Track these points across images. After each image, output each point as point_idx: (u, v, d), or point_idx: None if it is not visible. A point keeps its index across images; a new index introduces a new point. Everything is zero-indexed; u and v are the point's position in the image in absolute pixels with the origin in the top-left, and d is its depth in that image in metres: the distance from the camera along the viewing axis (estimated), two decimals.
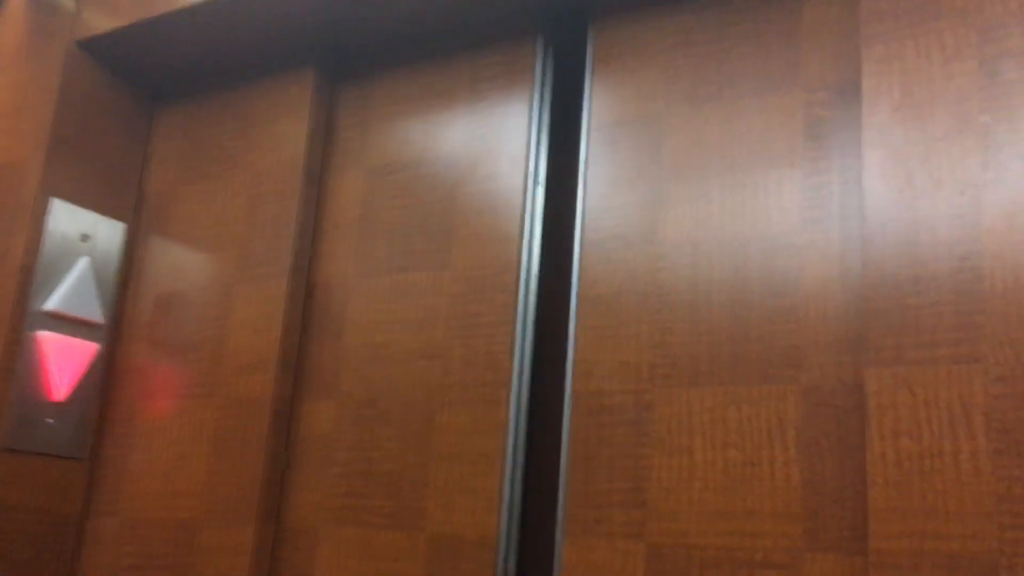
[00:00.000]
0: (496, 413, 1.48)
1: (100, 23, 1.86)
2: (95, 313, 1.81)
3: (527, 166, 1.57)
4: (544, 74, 1.63)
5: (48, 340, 1.73)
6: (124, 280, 1.91)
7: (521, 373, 1.50)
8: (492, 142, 1.62)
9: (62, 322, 1.76)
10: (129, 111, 1.97)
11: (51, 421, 1.74)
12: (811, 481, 1.23)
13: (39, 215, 1.77)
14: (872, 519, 1.11)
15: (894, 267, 1.17)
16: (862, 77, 1.24)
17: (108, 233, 1.87)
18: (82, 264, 1.81)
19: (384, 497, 1.55)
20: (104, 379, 1.85)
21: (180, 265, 1.87)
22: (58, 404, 1.75)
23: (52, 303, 1.74)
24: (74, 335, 1.78)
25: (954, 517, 1.08)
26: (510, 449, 1.47)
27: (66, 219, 1.80)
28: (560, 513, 1.39)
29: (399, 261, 1.66)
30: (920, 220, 1.17)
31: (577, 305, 1.46)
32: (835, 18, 1.38)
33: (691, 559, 1.28)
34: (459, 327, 1.55)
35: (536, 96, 1.61)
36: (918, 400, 1.12)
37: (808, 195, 1.33)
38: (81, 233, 1.82)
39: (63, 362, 1.75)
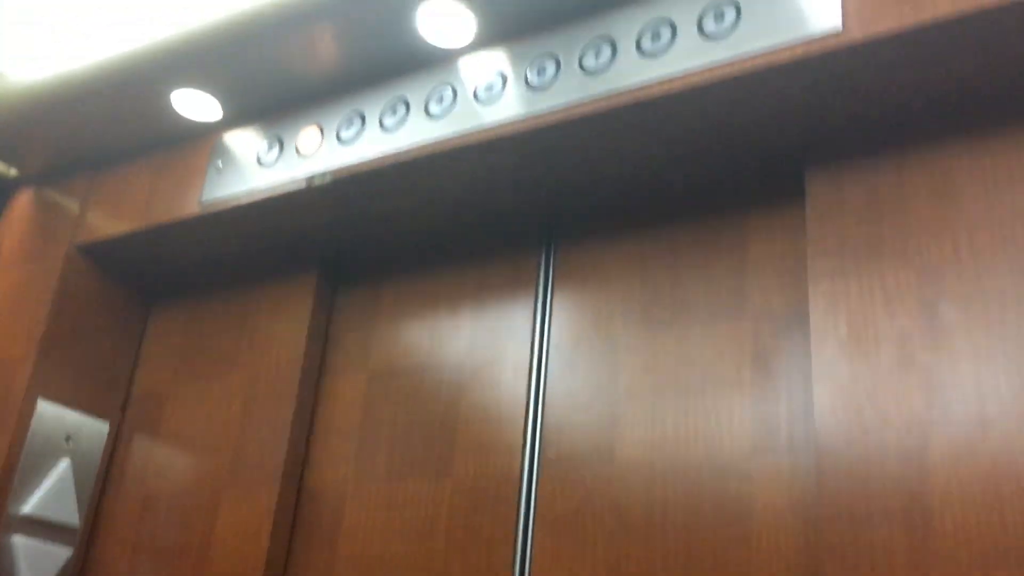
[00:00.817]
0: None
1: (102, 228, 1.95)
2: (71, 517, 1.82)
3: (530, 376, 1.61)
4: (547, 284, 1.68)
5: (21, 545, 1.73)
6: (105, 481, 1.93)
7: None
8: (495, 350, 1.66)
9: (37, 526, 1.76)
10: (124, 311, 2.04)
11: None
12: None
13: (25, 416, 1.81)
14: None
15: (847, 502, 1.19)
16: (809, 312, 1.30)
17: (91, 433, 1.90)
18: (63, 466, 1.83)
19: None
20: None
21: (167, 467, 1.88)
22: None
23: (28, 507, 1.75)
24: (48, 539, 1.78)
25: None
26: None
27: (51, 420, 1.83)
28: None
29: (398, 468, 1.66)
30: (871, 456, 1.20)
31: (534, 524, 1.47)
32: (779, 253, 1.46)
33: None
34: (459, 540, 1.54)
35: (539, 305, 1.66)
36: None
37: (758, 423, 1.36)
38: (65, 434, 1.85)
39: (34, 568, 1.74)
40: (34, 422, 1.81)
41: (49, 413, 1.84)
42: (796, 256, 1.43)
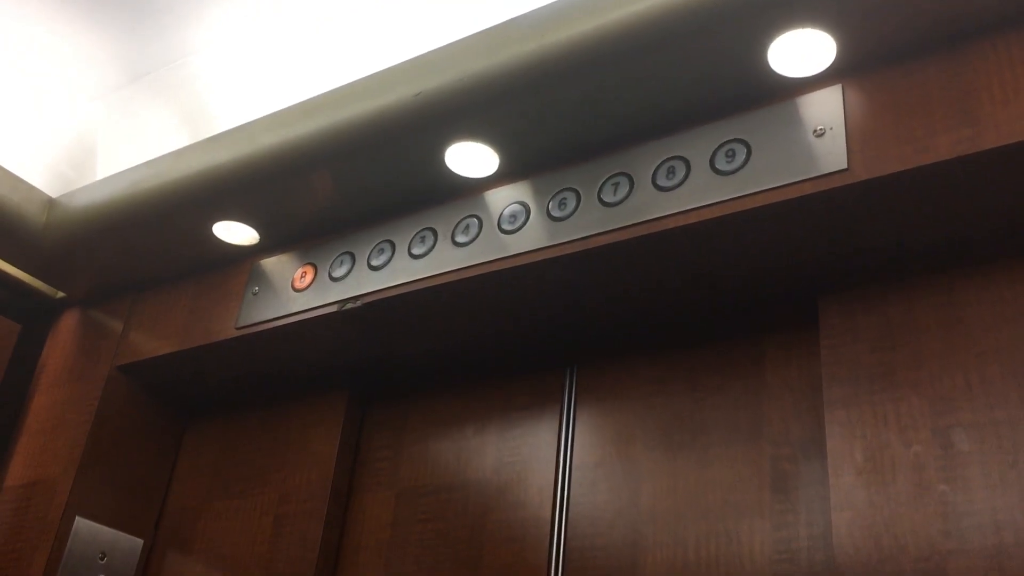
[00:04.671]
0: None
1: (143, 349, 2.02)
2: None
3: (555, 496, 1.64)
4: (570, 405, 1.72)
5: None
6: None
7: None
8: (521, 469, 1.69)
9: None
10: (161, 428, 2.10)
11: None
12: None
13: (63, 534, 1.85)
14: None
15: None
16: (827, 440, 1.33)
17: (126, 549, 1.94)
18: None
19: None
20: None
21: None
22: None
23: None
24: None
25: None
26: None
27: (87, 537, 1.88)
28: None
29: None
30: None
31: None
32: (795, 377, 1.49)
33: None
34: None
35: (563, 426, 1.70)
36: None
37: (778, 547, 1.38)
38: (100, 551, 1.90)
39: None
40: (71, 540, 1.85)
41: (85, 531, 1.88)
42: (812, 382, 1.47)
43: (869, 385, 1.34)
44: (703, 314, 1.63)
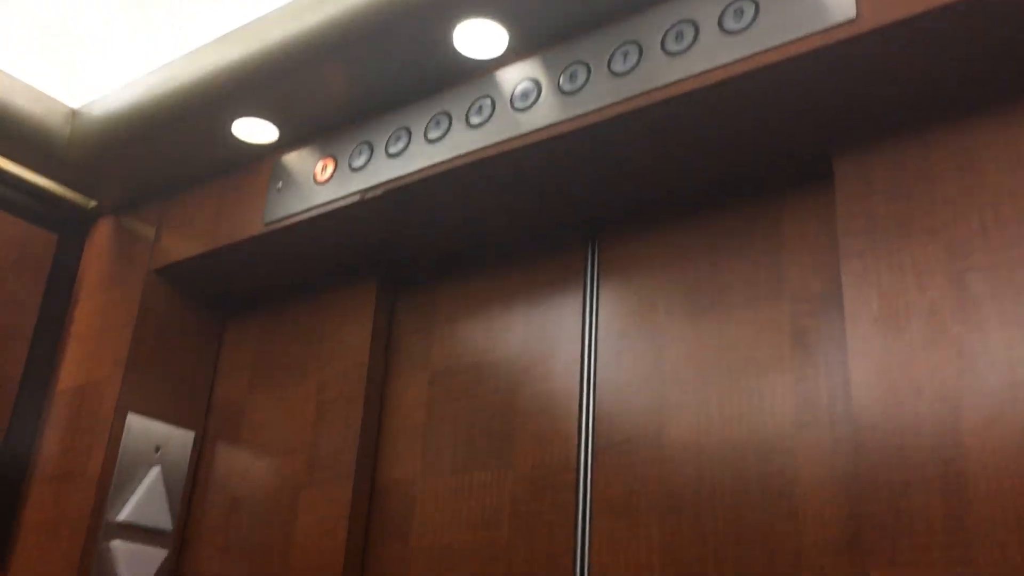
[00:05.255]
0: None
1: (176, 251, 2.08)
2: (164, 521, 1.96)
3: (581, 368, 1.69)
4: (593, 278, 1.76)
5: (120, 549, 1.87)
6: (193, 486, 2.06)
7: (583, 574, 1.55)
8: (547, 345, 1.74)
9: (133, 531, 1.90)
10: (201, 328, 2.17)
11: None
12: None
13: (116, 430, 1.94)
14: None
15: (885, 472, 1.24)
16: (843, 290, 1.35)
17: (179, 442, 2.04)
18: (153, 474, 1.96)
19: None
20: None
21: (249, 471, 2.01)
22: None
23: (124, 514, 1.89)
24: (144, 543, 1.92)
25: None
26: None
27: (140, 432, 1.97)
28: None
29: (463, 462, 1.76)
30: (906, 427, 1.24)
31: (592, 509, 1.55)
32: (814, 233, 1.51)
33: None
34: (522, 527, 1.63)
35: (587, 299, 1.74)
36: None
37: (799, 400, 1.42)
38: (154, 444, 1.99)
39: (133, 570, 1.88)
40: (125, 435, 1.95)
41: (138, 426, 1.97)
42: (829, 237, 1.48)
43: (885, 235, 1.35)
44: (719, 179, 1.64)
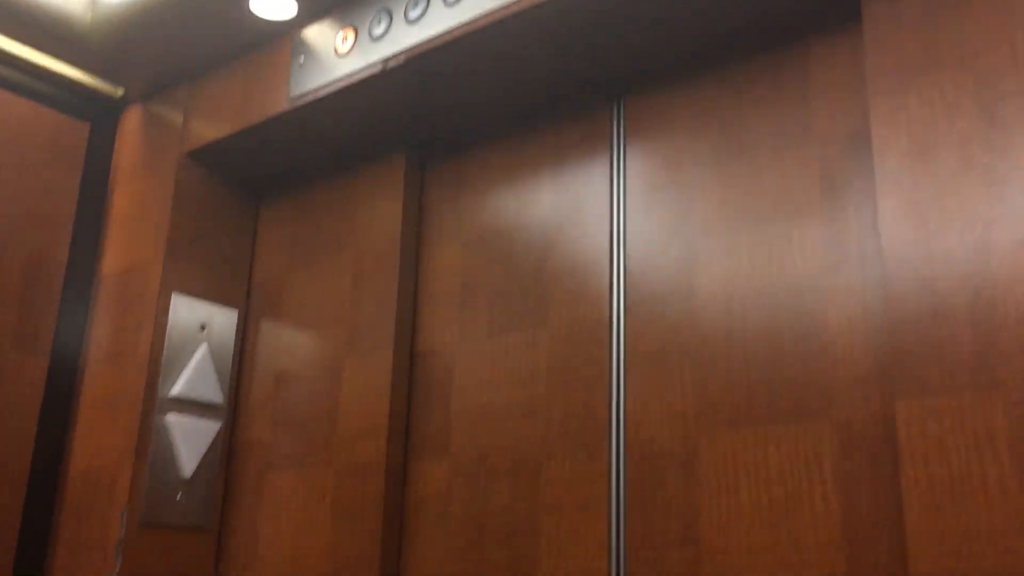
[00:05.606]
0: (598, 463, 1.59)
1: (205, 133, 2.10)
2: (215, 395, 2.03)
3: (611, 225, 1.70)
4: (619, 137, 1.75)
5: (175, 423, 1.95)
6: (240, 362, 2.13)
7: (619, 423, 1.60)
8: (576, 205, 1.75)
9: (186, 405, 1.98)
10: (237, 210, 2.21)
11: (180, 496, 1.95)
12: (849, 511, 1.31)
13: (162, 310, 2.01)
14: (910, 543, 1.19)
15: (914, 303, 1.25)
16: (871, 129, 1.34)
17: (223, 321, 2.10)
18: (201, 351, 2.03)
19: (499, 548, 1.67)
20: (226, 455, 2.06)
21: (292, 344, 2.07)
22: (186, 481, 1.96)
23: (176, 389, 1.97)
24: (197, 416, 2.00)
25: (986, 536, 1.14)
26: (613, 496, 1.57)
27: (185, 312, 2.03)
28: (622, 555, 1.50)
29: (498, 324, 1.80)
30: (935, 258, 1.25)
31: (626, 362, 1.58)
32: (840, 76, 1.48)
33: None
34: (559, 383, 1.68)
35: (614, 158, 1.74)
36: (944, 428, 1.19)
37: (828, 242, 1.42)
38: (199, 323, 2.05)
39: (189, 442, 1.96)
40: (171, 314, 2.01)
41: (183, 306, 2.03)
42: (856, 79, 1.46)
43: (914, 71, 1.33)
44: (745, 27, 1.61)
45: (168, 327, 2.00)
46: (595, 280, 1.68)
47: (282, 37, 2.00)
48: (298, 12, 1.93)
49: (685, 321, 1.55)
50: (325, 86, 1.86)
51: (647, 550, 1.47)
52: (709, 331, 1.51)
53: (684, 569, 1.43)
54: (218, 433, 2.03)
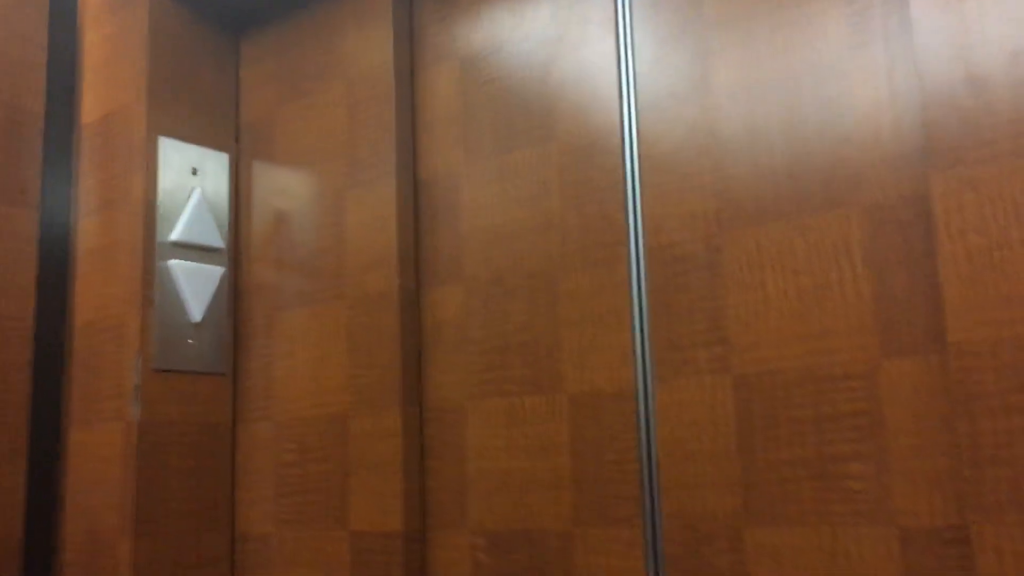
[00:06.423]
0: (618, 272, 1.56)
1: None
2: (215, 239, 1.98)
3: (616, 26, 1.62)
4: None
5: (178, 268, 1.90)
6: (237, 206, 2.07)
7: (636, 230, 1.56)
8: (579, 10, 1.67)
9: (187, 250, 1.93)
10: (216, 46, 2.10)
11: (191, 341, 1.93)
12: (882, 294, 1.29)
13: (151, 154, 1.93)
14: (948, 315, 1.17)
15: (946, 73, 1.20)
16: None
17: (215, 164, 2.03)
18: (196, 195, 1.97)
19: (522, 366, 1.66)
20: (233, 299, 2.03)
21: (289, 183, 2.00)
22: (196, 325, 1.93)
23: (176, 234, 1.91)
24: (200, 261, 1.95)
25: None
26: (635, 303, 1.54)
27: (175, 155, 1.95)
28: (649, 359, 1.49)
29: (504, 142, 1.74)
30: (969, 23, 1.19)
31: (639, 165, 1.53)
32: None
33: (775, 383, 1.36)
34: (571, 195, 1.63)
35: None
36: (982, 197, 1.16)
37: (851, 22, 1.35)
38: (191, 167, 1.98)
39: (194, 286, 1.92)
40: (161, 158, 1.93)
41: (172, 149, 1.95)
42: None
43: None
44: None
45: (159, 171, 1.93)
46: (603, 86, 1.62)
47: None
48: None
49: (701, 119, 1.49)
50: None
51: (674, 352, 1.46)
52: (727, 127, 1.46)
53: (714, 367, 1.42)
54: (222, 277, 1.99)
